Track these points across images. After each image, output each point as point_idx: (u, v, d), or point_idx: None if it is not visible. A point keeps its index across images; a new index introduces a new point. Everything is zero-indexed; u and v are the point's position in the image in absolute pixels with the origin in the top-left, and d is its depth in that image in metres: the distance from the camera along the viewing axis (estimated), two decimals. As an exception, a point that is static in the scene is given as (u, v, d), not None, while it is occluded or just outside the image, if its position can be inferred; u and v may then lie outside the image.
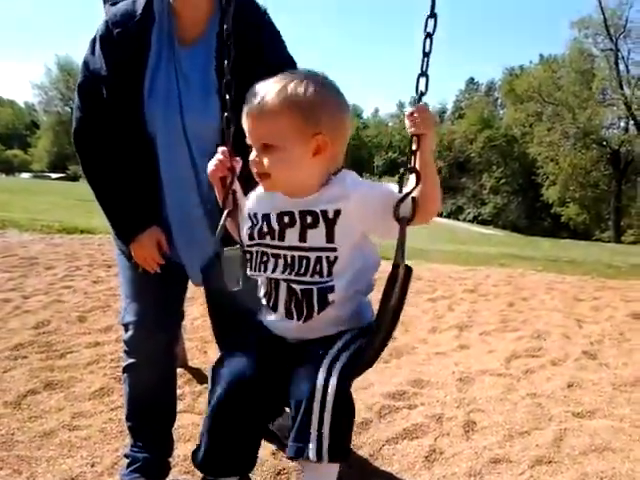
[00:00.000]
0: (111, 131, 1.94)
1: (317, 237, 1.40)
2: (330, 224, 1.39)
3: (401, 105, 77.05)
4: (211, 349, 3.74)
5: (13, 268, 5.69)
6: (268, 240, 1.46)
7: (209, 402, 1.46)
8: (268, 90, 1.38)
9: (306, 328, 1.47)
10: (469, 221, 50.80)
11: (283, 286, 1.46)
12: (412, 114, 1.37)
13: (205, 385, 3.15)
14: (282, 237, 1.44)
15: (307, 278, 1.42)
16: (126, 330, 2.11)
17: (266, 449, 2.50)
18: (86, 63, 1.95)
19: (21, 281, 5.19)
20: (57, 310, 4.32)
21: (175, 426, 2.32)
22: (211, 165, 1.59)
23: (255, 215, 1.51)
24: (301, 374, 1.35)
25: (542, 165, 42.87)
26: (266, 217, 1.47)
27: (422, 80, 1.38)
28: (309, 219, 1.40)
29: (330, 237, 1.39)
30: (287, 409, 1.44)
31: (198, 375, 3.27)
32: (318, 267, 1.41)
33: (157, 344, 2.13)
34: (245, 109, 1.41)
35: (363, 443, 2.63)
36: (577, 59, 40.11)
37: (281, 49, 2.05)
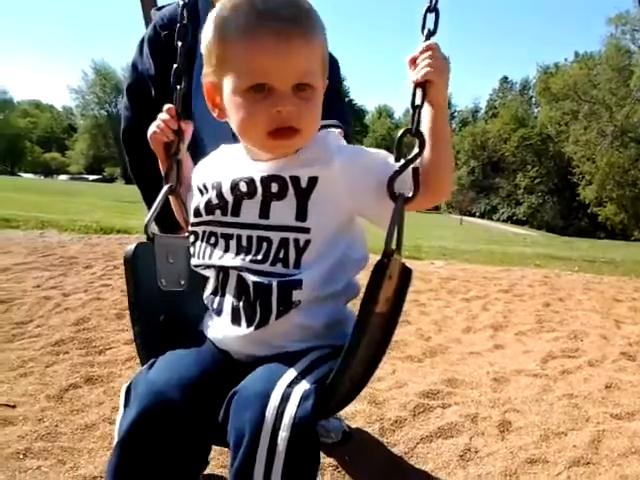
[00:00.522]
0: None
1: (284, 212, 1.06)
2: (302, 195, 1.05)
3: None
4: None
5: (53, 267, 5.84)
6: (218, 216, 1.13)
7: (117, 430, 1.07)
8: (298, 4, 1.03)
9: (258, 339, 1.09)
10: (503, 221, 50.16)
11: (232, 279, 1.10)
12: (416, 57, 1.06)
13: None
14: (236, 212, 1.10)
15: (266, 267, 1.06)
16: None
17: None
18: (134, 65, 2.02)
19: (61, 279, 5.32)
20: (96, 308, 4.43)
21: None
22: (153, 127, 1.33)
23: (204, 186, 1.18)
24: (245, 400, 0.97)
25: (578, 164, 42.06)
26: (217, 186, 1.13)
27: (430, 16, 1.10)
28: (274, 187, 1.06)
29: (301, 214, 1.05)
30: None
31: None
32: (282, 253, 1.05)
33: None
34: (263, 20, 0.99)
35: (397, 441, 2.63)
36: (614, 56, 39.23)
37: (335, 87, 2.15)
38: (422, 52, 1.05)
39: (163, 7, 2.06)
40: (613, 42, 39.59)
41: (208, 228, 1.14)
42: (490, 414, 2.91)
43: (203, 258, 1.14)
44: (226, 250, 1.09)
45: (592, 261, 8.90)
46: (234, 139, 1.89)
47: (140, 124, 2.01)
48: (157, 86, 1.96)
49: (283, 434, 0.91)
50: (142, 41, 2.02)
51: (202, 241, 1.14)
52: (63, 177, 70.89)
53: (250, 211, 1.07)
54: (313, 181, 1.04)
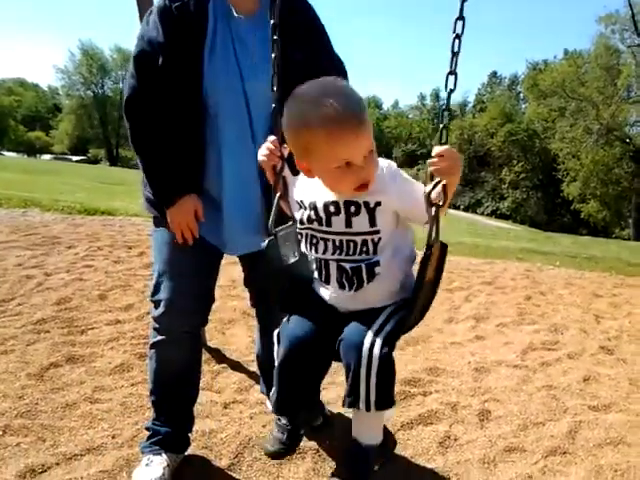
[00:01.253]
0: (164, 100, 1.99)
1: (361, 223, 1.53)
2: (371, 212, 1.52)
3: (422, 97, 76.54)
4: (228, 330, 3.79)
5: (35, 246, 5.78)
6: (316, 226, 1.58)
7: (276, 359, 1.67)
8: (346, 95, 1.43)
9: (357, 298, 1.61)
10: (487, 215, 50.33)
11: (333, 265, 1.60)
12: (438, 156, 1.37)
13: (223, 365, 3.20)
14: (329, 224, 1.56)
15: (355, 257, 1.56)
16: (157, 307, 2.13)
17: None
18: (142, 36, 1.99)
19: (43, 259, 5.27)
20: (78, 288, 4.39)
21: (194, 403, 2.36)
22: (262, 154, 1.66)
23: (302, 202, 1.61)
24: (351, 339, 1.51)
25: (563, 161, 42.26)
26: (313, 205, 1.57)
27: (451, 78, 1.42)
28: (352, 208, 1.52)
29: (373, 222, 1.52)
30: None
31: (216, 355, 3.32)
32: (365, 248, 1.55)
33: (190, 325, 2.17)
34: (336, 123, 1.38)
35: (378, 427, 2.65)
36: (603, 55, 39.37)
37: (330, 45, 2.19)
38: (445, 154, 1.37)
39: None
40: (602, 41, 39.70)
41: (310, 232, 1.61)
42: (470, 403, 2.95)
43: (309, 251, 1.64)
44: (325, 248, 1.59)
45: (574, 257, 8.98)
46: (245, 103, 2.01)
47: (145, 93, 2.00)
48: (165, 54, 1.95)
49: (375, 359, 1.46)
50: (150, 13, 2.01)
51: (306, 240, 1.64)
52: (46, 157, 69.90)
53: (338, 223, 1.54)
54: (377, 204, 1.51)
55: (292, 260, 1.71)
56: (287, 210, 1.72)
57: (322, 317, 1.65)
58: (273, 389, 1.73)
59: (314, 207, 1.57)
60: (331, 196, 1.53)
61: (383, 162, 1.54)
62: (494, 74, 66.56)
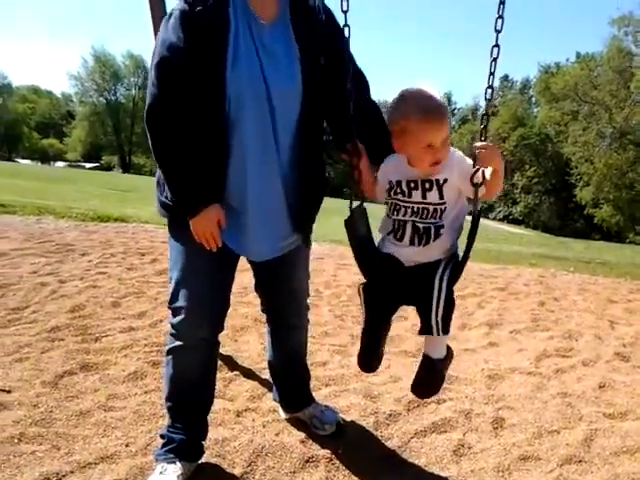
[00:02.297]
0: (186, 108, 1.95)
1: (434, 196, 1.94)
2: (440, 188, 1.93)
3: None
4: (241, 337, 3.80)
5: (49, 254, 5.83)
6: (400, 197, 1.99)
7: (364, 310, 2.11)
8: (436, 98, 1.89)
9: (422, 253, 1.99)
10: (499, 220, 50.12)
11: (409, 225, 1.99)
12: (481, 149, 1.83)
13: (235, 372, 3.20)
14: (410, 195, 1.97)
15: (428, 220, 1.96)
16: (175, 314, 2.14)
17: (294, 437, 2.54)
18: (163, 41, 1.94)
19: (57, 266, 5.31)
20: (92, 295, 4.42)
21: (207, 411, 2.36)
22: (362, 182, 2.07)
23: (390, 181, 2.02)
24: (424, 283, 1.94)
25: (576, 165, 42.02)
26: (398, 183, 1.99)
27: (489, 91, 1.87)
28: (427, 185, 1.94)
29: (441, 196, 1.93)
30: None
31: (229, 362, 3.32)
32: (435, 214, 1.95)
33: (207, 332, 2.18)
34: (427, 116, 1.83)
35: (391, 435, 2.65)
36: (615, 57, 39.11)
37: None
38: (487, 149, 1.84)
39: None
40: (615, 43, 39.46)
41: (394, 201, 2.01)
42: (484, 410, 2.93)
43: (392, 215, 2.02)
44: (405, 213, 1.98)
45: (587, 262, 8.92)
46: (269, 107, 2.01)
47: (167, 100, 1.95)
48: (187, 60, 1.92)
49: (442, 295, 1.90)
50: (169, 18, 1.97)
51: (391, 208, 2.03)
52: (60, 164, 70.59)
53: (417, 195, 1.95)
54: (445, 180, 1.92)
55: (364, 233, 2.07)
56: (369, 192, 2.08)
57: (394, 272, 2.04)
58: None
59: (399, 184, 1.98)
60: (412, 175, 1.95)
61: (452, 149, 1.94)
62: (506, 77, 66.26)
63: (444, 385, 3.15)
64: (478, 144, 1.85)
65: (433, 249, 2.01)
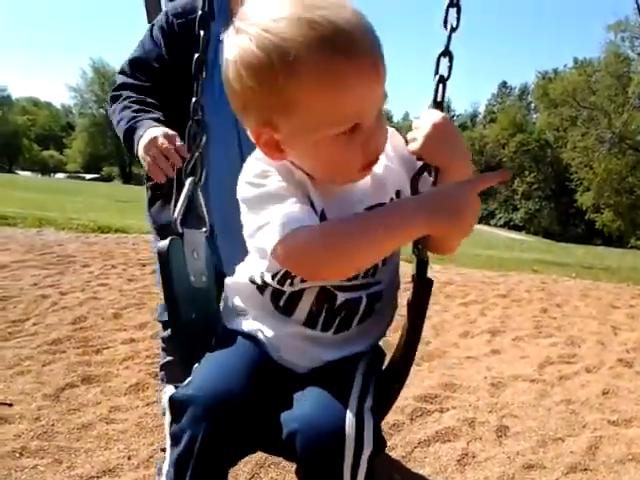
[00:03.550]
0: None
1: None
2: None
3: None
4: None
5: (50, 265, 5.82)
6: None
7: (170, 441, 1.07)
8: (366, 27, 0.94)
9: (333, 343, 1.14)
10: (500, 226, 50.16)
11: (310, 294, 1.11)
12: (421, 131, 1.04)
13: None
14: None
15: (354, 282, 1.11)
16: (165, 328, 2.14)
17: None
18: (142, 44, 1.97)
19: (58, 278, 5.30)
20: (93, 307, 4.41)
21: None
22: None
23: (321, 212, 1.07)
24: (322, 420, 0.97)
25: (576, 170, 42.14)
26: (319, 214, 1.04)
27: (452, 11, 1.11)
28: None
29: None
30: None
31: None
32: (368, 269, 1.11)
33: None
34: (357, 56, 0.90)
35: (395, 445, 2.63)
36: (613, 63, 39.32)
37: None
38: (430, 126, 1.03)
39: None
40: (612, 49, 39.68)
41: None
42: (487, 419, 2.91)
43: (277, 278, 1.11)
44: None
45: (589, 267, 8.91)
46: (236, 130, 1.86)
47: (134, 83, 1.93)
48: (162, 62, 1.92)
49: (367, 452, 0.97)
50: (152, 28, 1.98)
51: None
52: (60, 175, 70.66)
53: None
54: (397, 194, 1.11)
55: (200, 281, 1.30)
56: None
57: (256, 368, 1.08)
58: (169, 474, 1.11)
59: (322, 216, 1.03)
60: (322, 199, 1.03)
61: (394, 137, 1.13)
62: (504, 84, 66.62)
63: (447, 394, 3.16)
64: (424, 117, 1.05)
65: (352, 339, 1.14)
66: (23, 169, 74.08)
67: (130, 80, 1.96)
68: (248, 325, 1.17)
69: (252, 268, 1.15)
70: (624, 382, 3.53)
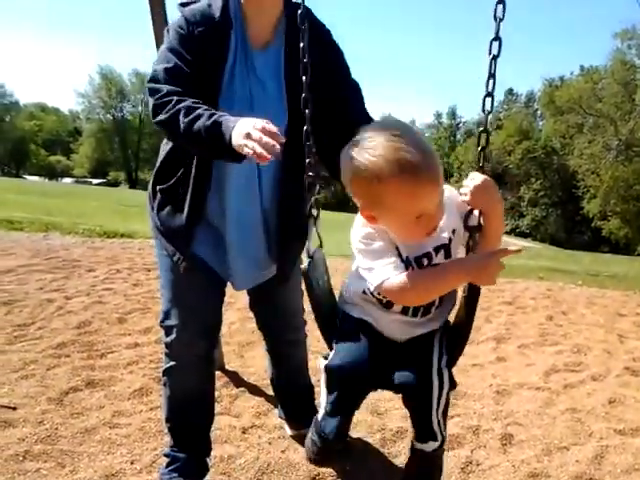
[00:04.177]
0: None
1: (440, 258, 1.54)
2: (448, 248, 1.54)
3: (438, 115, 76.68)
4: (247, 353, 3.78)
5: (56, 270, 5.85)
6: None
7: (327, 400, 1.65)
8: (425, 144, 1.36)
9: (419, 324, 1.62)
10: (506, 233, 49.95)
11: None
12: (473, 187, 1.46)
13: (241, 389, 3.18)
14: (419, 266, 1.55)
15: None
16: (167, 334, 2.13)
17: (300, 454, 2.51)
18: (172, 49, 1.87)
19: (63, 282, 5.32)
20: (98, 311, 4.42)
21: (212, 428, 2.34)
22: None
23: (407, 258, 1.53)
24: (417, 367, 1.57)
25: (582, 178, 42.03)
26: (406, 259, 1.51)
27: (488, 100, 1.47)
28: (442, 252, 1.53)
29: (448, 254, 1.55)
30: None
31: (235, 378, 3.30)
32: None
33: (199, 350, 2.16)
34: (424, 176, 1.31)
35: (399, 452, 2.61)
36: (619, 70, 39.22)
37: (347, 70, 2.07)
38: (480, 186, 1.45)
39: (188, 3, 2.00)
40: (619, 56, 39.60)
41: None
42: (492, 427, 2.90)
43: None
44: None
45: (596, 275, 8.86)
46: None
47: (171, 93, 1.79)
48: (193, 69, 1.86)
49: (445, 385, 1.57)
50: (169, 30, 1.92)
51: None
52: (67, 180, 71.03)
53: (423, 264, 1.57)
54: (454, 232, 1.54)
55: (321, 285, 1.70)
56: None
57: (372, 346, 1.61)
58: (322, 423, 1.67)
59: (407, 260, 1.50)
60: (411, 250, 1.51)
61: (452, 195, 1.52)
62: (510, 91, 66.37)
63: (452, 401, 3.14)
64: (473, 179, 1.45)
65: (433, 319, 1.63)
66: (30, 174, 74.39)
67: (172, 87, 1.83)
68: (359, 313, 1.65)
69: (362, 284, 1.58)
70: (630, 391, 3.50)
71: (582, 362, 3.99)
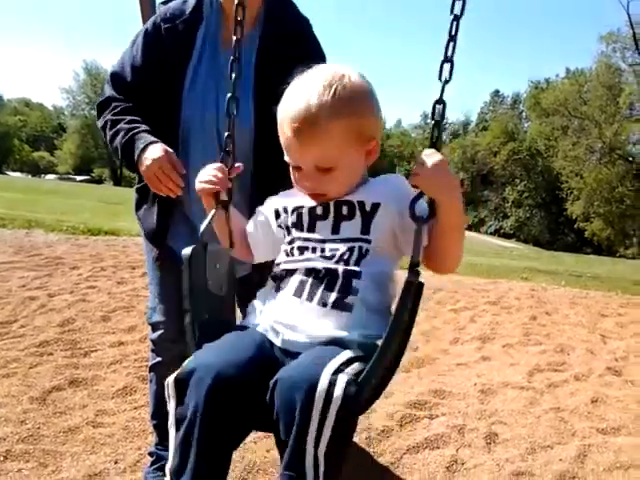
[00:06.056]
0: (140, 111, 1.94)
1: (352, 229, 1.30)
2: (367, 216, 1.29)
3: (425, 116, 76.81)
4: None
5: (39, 267, 5.77)
6: (295, 232, 1.37)
7: (172, 417, 1.20)
8: (314, 99, 1.23)
9: (322, 317, 1.23)
10: (490, 234, 50.30)
11: (299, 271, 1.31)
12: (421, 167, 1.17)
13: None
14: (312, 229, 1.35)
15: (331, 264, 1.27)
16: (154, 330, 2.13)
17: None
18: (122, 56, 1.98)
19: (47, 280, 5.26)
20: (82, 309, 4.38)
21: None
22: (203, 180, 1.44)
23: (285, 208, 1.42)
24: (297, 374, 1.09)
25: (566, 179, 42.34)
26: (296, 208, 1.38)
27: (446, 66, 1.21)
28: (345, 210, 1.30)
29: (366, 229, 1.28)
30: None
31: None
32: (346, 255, 1.27)
33: (185, 346, 2.14)
34: (287, 122, 1.27)
35: (384, 451, 2.62)
36: (604, 73, 39.58)
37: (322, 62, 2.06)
38: (428, 167, 1.16)
39: (168, 1, 2.02)
40: (604, 60, 39.94)
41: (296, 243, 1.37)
42: (477, 426, 2.91)
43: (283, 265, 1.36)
44: (299, 254, 1.35)
45: (579, 276, 8.95)
46: (218, 139, 1.87)
47: (120, 99, 1.95)
48: (139, 76, 1.93)
49: (332, 411, 1.03)
50: (138, 34, 1.99)
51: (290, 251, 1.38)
52: (51, 177, 70.22)
53: (324, 228, 1.33)
54: (375, 205, 1.28)
55: (218, 290, 1.47)
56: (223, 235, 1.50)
57: (256, 349, 1.24)
58: (173, 462, 1.18)
59: (298, 211, 1.36)
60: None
61: (392, 176, 1.42)
62: (496, 93, 66.83)
63: (437, 400, 3.16)
64: (424, 155, 1.18)
65: (333, 315, 1.22)
66: (13, 170, 73.53)
67: (113, 93, 1.98)
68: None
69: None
70: (613, 390, 3.54)
71: (565, 362, 4.03)
